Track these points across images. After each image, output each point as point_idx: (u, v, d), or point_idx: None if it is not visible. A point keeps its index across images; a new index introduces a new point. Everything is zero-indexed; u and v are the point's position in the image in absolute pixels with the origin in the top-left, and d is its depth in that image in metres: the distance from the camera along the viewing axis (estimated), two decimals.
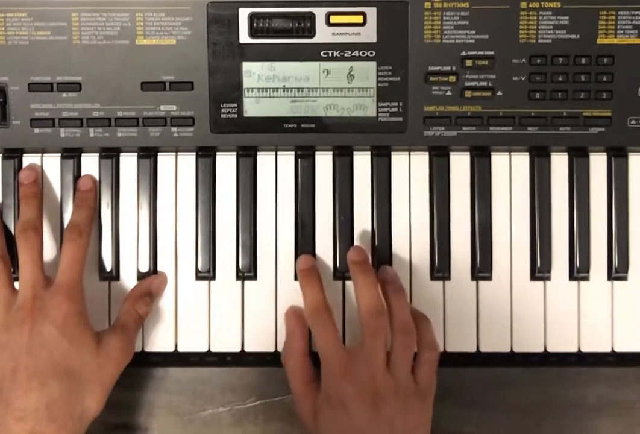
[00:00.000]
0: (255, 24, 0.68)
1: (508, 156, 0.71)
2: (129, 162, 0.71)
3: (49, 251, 0.70)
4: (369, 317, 0.65)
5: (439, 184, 0.71)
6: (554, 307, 0.71)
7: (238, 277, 0.71)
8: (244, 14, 0.68)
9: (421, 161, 0.71)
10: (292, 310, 0.70)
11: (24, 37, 0.68)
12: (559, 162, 0.71)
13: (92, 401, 0.64)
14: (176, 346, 0.71)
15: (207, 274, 0.71)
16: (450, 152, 0.71)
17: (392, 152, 0.71)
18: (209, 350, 0.71)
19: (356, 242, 0.70)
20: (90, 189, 0.70)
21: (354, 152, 0.71)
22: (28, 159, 0.71)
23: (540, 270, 0.70)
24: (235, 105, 0.69)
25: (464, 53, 0.69)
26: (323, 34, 0.68)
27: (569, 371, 0.73)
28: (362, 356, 0.65)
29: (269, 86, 0.69)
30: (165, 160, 0.71)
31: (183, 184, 0.71)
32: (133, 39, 0.68)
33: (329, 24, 0.68)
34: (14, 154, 0.71)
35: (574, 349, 0.71)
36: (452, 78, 0.69)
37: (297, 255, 0.70)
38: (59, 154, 0.71)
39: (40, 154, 0.71)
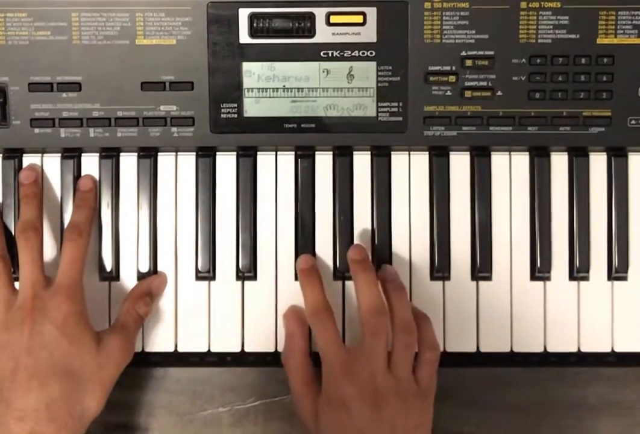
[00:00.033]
0: (255, 24, 0.68)
1: (508, 156, 0.71)
2: (129, 162, 0.71)
3: (49, 251, 0.70)
4: (369, 316, 0.65)
5: (439, 184, 0.71)
6: (554, 307, 0.71)
7: (238, 277, 0.71)
8: (244, 14, 0.68)
9: (421, 161, 0.71)
10: (292, 310, 0.70)
11: (24, 37, 0.68)
12: (559, 162, 0.71)
13: (92, 401, 0.64)
14: (176, 346, 0.71)
15: (207, 274, 0.71)
16: (450, 152, 0.71)
17: (392, 152, 0.71)
18: (209, 350, 0.71)
19: (356, 242, 0.70)
20: (90, 189, 0.70)
21: (354, 152, 0.71)
22: (28, 159, 0.71)
23: (540, 270, 0.70)
24: (235, 105, 0.69)
25: (464, 53, 0.69)
26: (323, 34, 0.68)
27: (569, 371, 0.73)
28: (363, 355, 0.65)
29: (269, 86, 0.69)
30: (165, 160, 0.71)
31: (183, 184, 0.71)
32: (133, 39, 0.68)
33: (329, 24, 0.68)
34: (14, 154, 0.71)
35: (574, 349, 0.71)
36: (452, 78, 0.69)
37: (297, 255, 0.70)
38: (59, 154, 0.71)
39: (40, 154, 0.71)
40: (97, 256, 0.70)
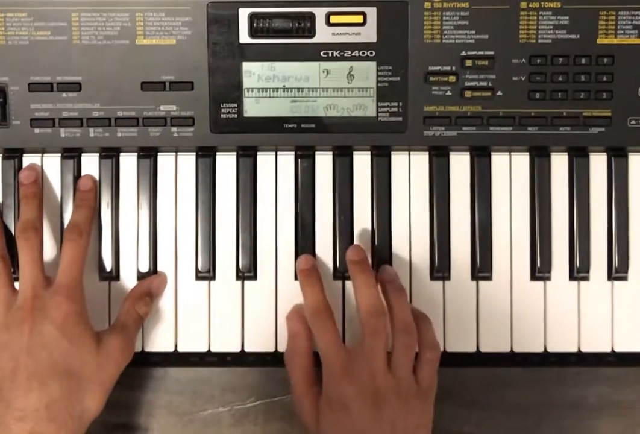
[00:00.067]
0: (255, 24, 0.68)
1: (508, 156, 0.71)
2: (129, 162, 0.71)
3: (49, 251, 0.70)
4: (368, 317, 0.65)
5: (439, 184, 0.71)
6: (554, 307, 0.71)
7: (238, 277, 0.71)
8: (244, 14, 0.68)
9: (421, 161, 0.71)
10: (295, 311, 0.70)
11: (24, 37, 0.68)
12: (559, 162, 0.71)
13: (92, 401, 0.64)
14: (176, 346, 0.71)
15: (207, 274, 0.71)
16: (450, 152, 0.71)
17: (392, 152, 0.71)
18: (209, 350, 0.71)
19: (356, 242, 0.70)
20: (90, 189, 0.70)
21: (354, 152, 0.71)
22: (28, 159, 0.71)
23: (540, 270, 0.70)
24: (235, 105, 0.69)
25: (464, 53, 0.69)
26: (323, 34, 0.68)
27: (569, 371, 0.73)
28: (363, 356, 0.65)
29: (269, 86, 0.69)
30: (165, 160, 0.71)
31: (183, 184, 0.71)
32: (133, 39, 0.68)
33: (329, 24, 0.68)
34: (14, 154, 0.71)
35: (574, 349, 0.71)
36: (452, 78, 0.69)
37: (297, 255, 0.70)
38: (59, 154, 0.71)
39: (40, 154, 0.71)
40: (97, 256, 0.70)
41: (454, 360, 0.70)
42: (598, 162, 0.71)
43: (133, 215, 0.71)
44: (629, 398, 0.73)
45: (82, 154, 0.71)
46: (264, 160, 0.71)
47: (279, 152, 0.71)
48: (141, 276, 0.71)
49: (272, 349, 0.70)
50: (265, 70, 0.69)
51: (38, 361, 0.63)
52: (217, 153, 0.71)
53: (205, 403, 0.73)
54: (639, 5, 0.68)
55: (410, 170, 0.71)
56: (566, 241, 0.71)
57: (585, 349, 0.71)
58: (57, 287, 0.65)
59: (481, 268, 0.70)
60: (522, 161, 0.71)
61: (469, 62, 0.69)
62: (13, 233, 0.69)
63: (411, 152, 0.71)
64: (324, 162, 0.71)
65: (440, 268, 0.71)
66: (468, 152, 0.71)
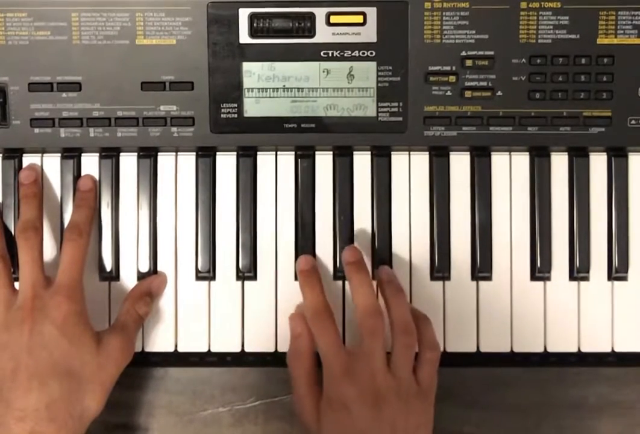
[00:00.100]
0: (255, 24, 0.68)
1: (508, 156, 0.71)
2: (129, 162, 0.71)
3: (49, 251, 0.70)
4: (366, 318, 0.65)
5: (439, 184, 0.71)
6: (554, 307, 0.71)
7: (238, 277, 0.71)
8: (244, 14, 0.68)
9: (421, 161, 0.71)
10: (298, 311, 0.70)
11: (24, 37, 0.68)
12: (559, 162, 0.71)
13: (92, 401, 0.64)
14: (176, 346, 0.71)
15: (207, 274, 0.71)
16: (450, 152, 0.71)
17: (392, 152, 0.71)
18: (209, 350, 0.71)
19: (356, 242, 0.70)
20: (90, 189, 0.70)
21: (354, 152, 0.71)
22: (28, 159, 0.71)
23: (540, 270, 0.70)
24: (235, 105, 0.69)
25: (464, 53, 0.69)
26: (323, 34, 0.68)
27: (569, 371, 0.73)
28: (362, 356, 0.65)
29: (269, 86, 0.69)
30: (165, 160, 0.71)
31: (183, 184, 0.71)
32: (133, 39, 0.68)
33: (329, 24, 0.68)
34: (14, 154, 0.71)
35: (574, 349, 0.71)
36: (452, 78, 0.69)
37: (297, 255, 0.70)
38: (59, 154, 0.71)
39: (40, 154, 0.71)
40: (97, 256, 0.70)
41: (454, 360, 0.70)
42: (598, 162, 0.71)
43: (133, 215, 0.71)
44: (629, 398, 0.73)
45: (82, 154, 0.71)
46: (264, 160, 0.71)
47: (279, 152, 0.71)
48: (141, 276, 0.71)
49: (272, 349, 0.70)
50: (265, 70, 0.69)
51: (38, 361, 0.63)
52: (217, 153, 0.71)
53: (205, 403, 0.73)
54: (639, 5, 0.68)
55: (410, 170, 0.71)
56: (566, 241, 0.71)
57: (585, 349, 0.71)
58: (57, 287, 0.65)
59: (481, 268, 0.70)
60: (522, 161, 0.71)
61: (469, 62, 0.69)
62: (13, 233, 0.69)
63: (411, 152, 0.71)
64: (324, 162, 0.71)
65: (440, 268, 0.71)
66: (468, 152, 0.71)
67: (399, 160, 0.71)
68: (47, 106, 0.69)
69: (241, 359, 0.71)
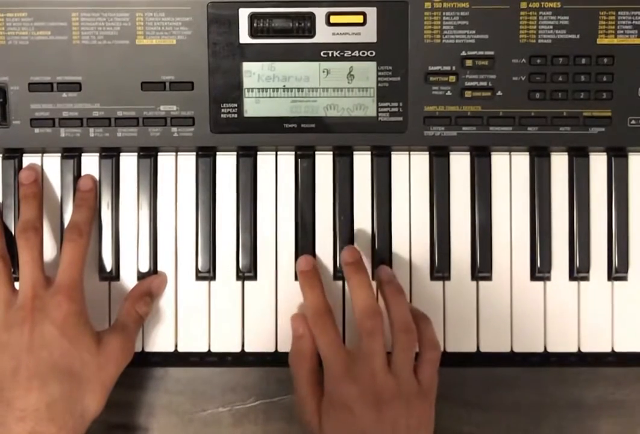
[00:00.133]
0: (255, 24, 0.68)
1: (508, 156, 0.71)
2: (129, 162, 0.71)
3: (49, 251, 0.70)
4: (364, 318, 0.65)
5: (439, 184, 0.71)
6: (554, 307, 0.71)
7: (238, 277, 0.71)
8: (244, 14, 0.68)
9: (421, 161, 0.71)
10: (301, 312, 0.69)
11: (24, 37, 0.68)
12: (559, 162, 0.71)
13: (92, 401, 0.64)
14: (176, 346, 0.71)
15: (207, 274, 0.71)
16: (450, 152, 0.71)
17: (392, 152, 0.71)
18: (209, 350, 0.71)
19: (356, 243, 0.70)
20: (90, 189, 0.70)
21: (354, 152, 0.71)
22: (28, 159, 0.71)
23: (540, 270, 0.70)
24: (235, 105, 0.69)
25: (464, 53, 0.69)
26: (323, 34, 0.68)
27: (569, 371, 0.73)
28: (362, 357, 0.65)
29: (269, 86, 0.69)
30: (165, 160, 0.71)
31: (183, 184, 0.71)
32: (133, 39, 0.68)
33: (329, 24, 0.68)
34: (14, 154, 0.71)
35: (574, 349, 0.71)
36: (452, 78, 0.69)
37: (297, 255, 0.70)
38: (59, 154, 0.71)
39: (40, 154, 0.71)
40: (97, 256, 0.70)
41: (454, 360, 0.70)
42: (598, 162, 0.71)
43: (133, 215, 0.71)
44: (629, 398, 0.73)
45: (82, 154, 0.71)
46: (264, 160, 0.71)
47: (279, 152, 0.71)
48: (141, 276, 0.71)
49: (272, 349, 0.70)
50: (265, 70, 0.69)
51: (38, 361, 0.63)
52: (217, 153, 0.71)
53: (205, 403, 0.73)
54: (639, 5, 0.68)
55: (410, 170, 0.71)
56: (566, 241, 0.71)
57: (585, 349, 0.71)
58: (57, 287, 0.65)
59: (481, 268, 0.70)
60: (522, 161, 0.71)
61: (469, 62, 0.69)
62: (13, 233, 0.69)
63: (411, 152, 0.71)
64: (324, 162, 0.71)
65: (440, 268, 0.71)
66: (468, 152, 0.71)
67: (399, 160, 0.71)
68: (47, 106, 0.69)
69: (241, 359, 0.71)
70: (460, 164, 0.71)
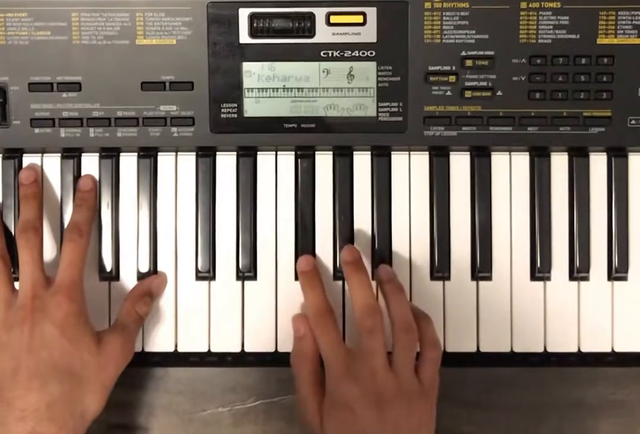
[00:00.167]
0: (255, 24, 0.68)
1: (508, 156, 0.71)
2: (129, 162, 0.71)
3: (49, 251, 0.70)
4: (364, 317, 0.65)
5: (439, 184, 0.71)
6: (554, 307, 0.71)
7: (238, 277, 0.71)
8: (244, 14, 0.68)
9: (421, 161, 0.71)
10: (302, 313, 0.69)
11: (24, 37, 0.68)
12: (559, 162, 0.71)
13: (92, 401, 0.64)
14: (176, 346, 0.71)
15: (207, 274, 0.71)
16: (450, 152, 0.71)
17: (392, 152, 0.71)
18: (209, 350, 0.71)
19: (356, 243, 0.70)
20: (90, 189, 0.70)
21: (354, 152, 0.71)
22: (28, 159, 0.71)
23: (540, 270, 0.70)
24: (235, 105, 0.69)
25: (464, 53, 0.69)
26: (323, 34, 0.68)
27: (569, 371, 0.73)
28: (362, 356, 0.65)
29: (269, 86, 0.69)
30: (165, 160, 0.71)
31: (183, 184, 0.71)
32: (133, 39, 0.68)
33: (329, 24, 0.68)
34: (14, 154, 0.71)
35: (574, 349, 0.71)
36: (452, 78, 0.69)
37: (297, 255, 0.70)
38: (59, 154, 0.71)
39: (40, 154, 0.71)
40: (97, 256, 0.70)
41: (454, 360, 0.70)
42: (598, 162, 0.71)
43: (133, 215, 0.71)
44: (629, 398, 0.73)
45: (82, 154, 0.71)
46: (264, 160, 0.71)
47: (279, 152, 0.71)
48: (141, 276, 0.71)
49: (272, 349, 0.70)
50: (265, 70, 0.69)
51: (38, 361, 0.63)
52: (217, 153, 0.71)
53: (205, 403, 0.73)
54: (639, 5, 0.68)
55: (410, 170, 0.71)
56: (566, 241, 0.71)
57: (585, 349, 0.71)
58: (57, 287, 0.65)
59: (481, 268, 0.70)
60: (522, 161, 0.71)
61: (469, 62, 0.69)
62: (13, 233, 0.69)
63: (411, 152, 0.71)
64: (324, 162, 0.71)
65: (440, 268, 0.71)
66: (468, 152, 0.71)
67: (399, 160, 0.71)
68: (47, 106, 0.69)
69: (241, 359, 0.71)
70: (460, 164, 0.71)
